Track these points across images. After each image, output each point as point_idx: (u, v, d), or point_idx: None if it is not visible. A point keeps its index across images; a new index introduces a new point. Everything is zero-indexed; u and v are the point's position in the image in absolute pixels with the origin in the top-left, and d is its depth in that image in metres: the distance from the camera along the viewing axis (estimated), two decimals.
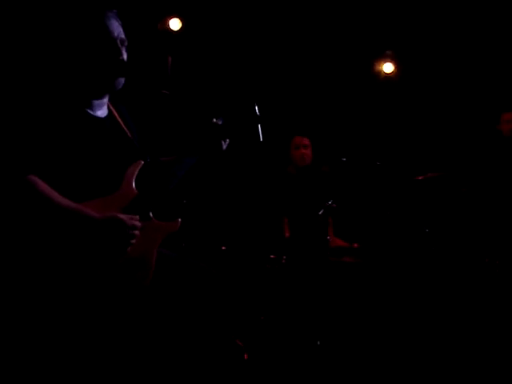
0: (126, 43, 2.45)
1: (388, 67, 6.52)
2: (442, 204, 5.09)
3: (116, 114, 2.56)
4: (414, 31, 6.23)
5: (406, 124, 6.48)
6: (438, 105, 6.39)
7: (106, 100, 2.51)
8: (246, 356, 3.76)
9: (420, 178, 4.79)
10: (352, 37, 6.22)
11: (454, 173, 4.91)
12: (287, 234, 4.85)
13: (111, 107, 2.55)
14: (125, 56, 2.44)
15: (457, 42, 6.20)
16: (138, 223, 2.31)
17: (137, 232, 2.31)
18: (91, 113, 2.44)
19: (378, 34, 6.25)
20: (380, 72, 6.50)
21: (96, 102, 2.46)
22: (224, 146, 2.58)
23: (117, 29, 2.42)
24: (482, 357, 3.95)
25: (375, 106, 6.51)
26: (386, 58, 6.51)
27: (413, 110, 6.47)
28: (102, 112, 2.49)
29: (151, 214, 2.42)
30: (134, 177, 2.40)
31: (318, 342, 4.05)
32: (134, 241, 2.30)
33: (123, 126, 2.55)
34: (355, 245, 4.81)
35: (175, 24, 5.77)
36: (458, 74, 6.30)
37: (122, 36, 2.44)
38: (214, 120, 2.54)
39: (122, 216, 2.27)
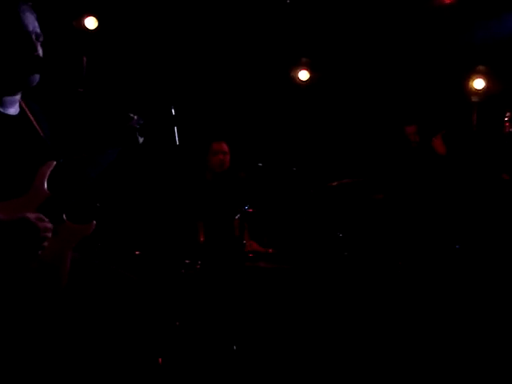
0: (41, 38, 2.33)
1: (303, 74, 6.62)
2: (355, 210, 5.21)
3: (28, 112, 2.45)
4: (329, 41, 6.38)
5: (321, 131, 6.59)
6: (353, 113, 6.54)
7: (18, 97, 2.39)
8: (160, 360, 3.71)
9: (334, 183, 4.90)
10: (268, 43, 6.29)
11: (368, 180, 5.04)
12: (202, 239, 4.83)
13: (23, 105, 2.44)
14: (40, 51, 2.32)
15: (370, 57, 6.40)
16: (49, 225, 2.22)
17: (48, 234, 2.21)
18: (1, 110, 2.32)
19: (294, 41, 6.34)
20: (296, 78, 6.59)
21: (7, 99, 2.34)
22: (140, 140, 2.52)
23: (32, 22, 2.29)
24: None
25: (291, 112, 6.59)
26: (301, 65, 6.61)
27: (329, 117, 6.60)
28: (13, 110, 2.38)
29: (64, 217, 2.33)
30: (46, 177, 2.30)
31: (235, 347, 4.05)
32: (46, 243, 2.21)
33: (36, 124, 2.45)
34: (270, 250, 4.83)
35: (91, 23, 5.68)
36: (370, 82, 6.50)
37: (38, 30, 2.31)
38: (131, 115, 2.49)
39: (31, 216, 2.16)
